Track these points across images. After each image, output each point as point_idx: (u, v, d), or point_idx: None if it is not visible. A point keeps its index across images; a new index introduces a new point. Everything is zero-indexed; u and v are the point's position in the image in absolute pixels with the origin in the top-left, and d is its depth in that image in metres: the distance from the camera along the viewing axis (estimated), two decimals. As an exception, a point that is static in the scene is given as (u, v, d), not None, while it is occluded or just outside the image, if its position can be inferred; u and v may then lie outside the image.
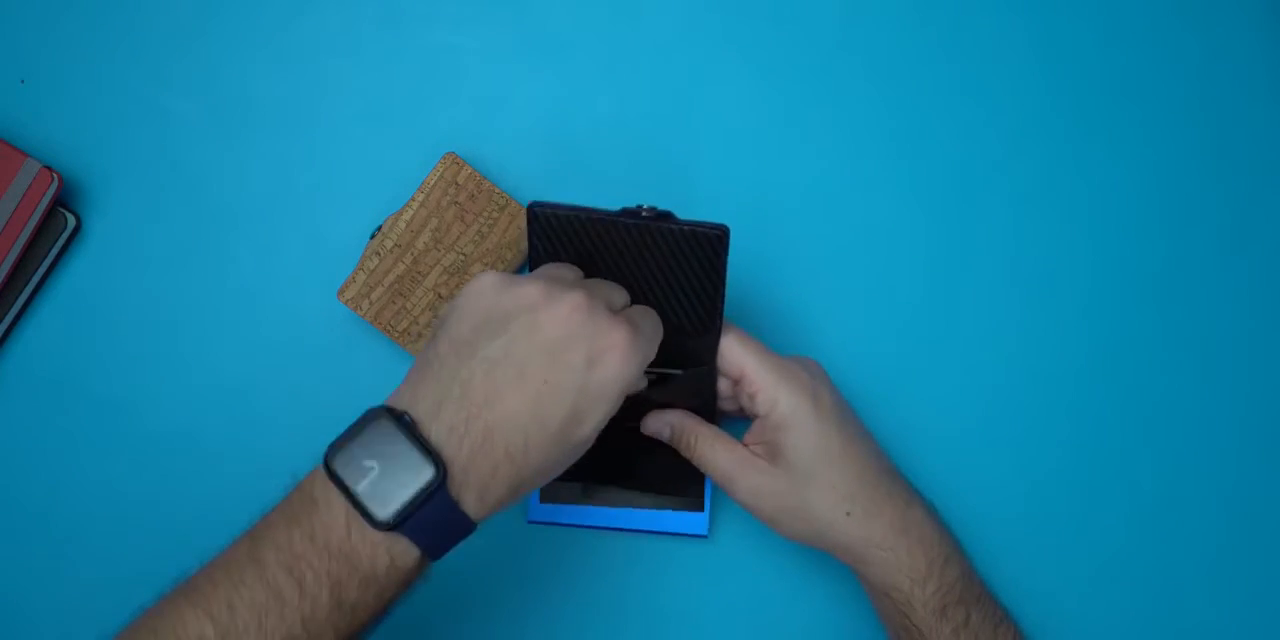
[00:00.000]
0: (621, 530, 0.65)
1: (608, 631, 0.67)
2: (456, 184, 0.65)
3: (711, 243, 0.55)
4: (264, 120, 0.69)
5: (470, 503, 0.49)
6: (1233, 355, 0.68)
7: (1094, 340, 0.69)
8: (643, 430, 0.63)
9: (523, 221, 0.66)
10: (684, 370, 0.59)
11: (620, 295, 0.55)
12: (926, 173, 0.69)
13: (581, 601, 0.67)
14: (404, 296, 0.65)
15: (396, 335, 0.66)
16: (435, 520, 0.48)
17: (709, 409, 0.62)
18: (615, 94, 0.69)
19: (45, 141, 0.68)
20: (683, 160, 0.69)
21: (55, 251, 0.68)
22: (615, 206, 0.56)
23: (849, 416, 0.61)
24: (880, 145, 0.69)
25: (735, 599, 0.67)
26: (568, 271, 0.55)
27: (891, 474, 0.61)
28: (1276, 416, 0.68)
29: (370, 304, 0.65)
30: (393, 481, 0.48)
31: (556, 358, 0.50)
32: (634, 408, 0.62)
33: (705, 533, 0.64)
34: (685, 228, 0.55)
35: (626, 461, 0.64)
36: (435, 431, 0.49)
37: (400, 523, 0.47)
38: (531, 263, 0.58)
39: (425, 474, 0.48)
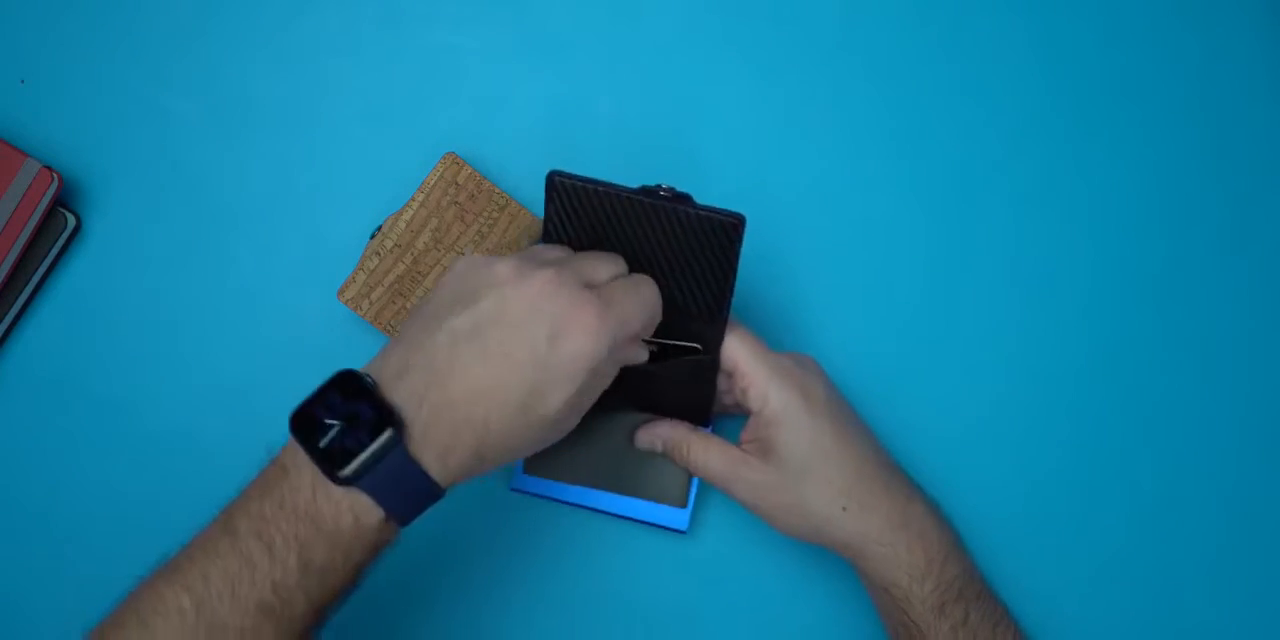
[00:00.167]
0: (602, 512, 0.65)
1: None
2: (456, 184, 0.65)
3: (726, 230, 0.55)
4: (264, 120, 0.69)
5: (431, 463, 0.50)
6: (1233, 353, 0.68)
7: (1094, 339, 0.69)
8: (636, 444, 0.64)
9: (523, 222, 0.66)
10: (689, 343, 0.59)
11: (606, 270, 0.55)
12: (927, 172, 0.69)
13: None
14: (404, 296, 0.65)
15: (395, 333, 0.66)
16: (394, 477, 0.49)
17: (708, 399, 0.62)
18: (615, 94, 0.69)
19: (45, 141, 0.68)
20: (683, 159, 0.69)
21: (55, 251, 0.68)
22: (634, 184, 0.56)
23: (844, 411, 0.61)
24: (880, 145, 0.69)
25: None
26: (552, 251, 0.56)
27: (891, 469, 0.61)
28: (1276, 416, 0.68)
29: (370, 304, 0.65)
30: (351, 439, 0.49)
31: (519, 333, 0.50)
32: (636, 394, 0.62)
33: (685, 528, 0.65)
34: (702, 212, 0.55)
35: (614, 455, 0.64)
36: (397, 394, 0.50)
37: (358, 477, 0.48)
38: (545, 232, 0.58)
39: (383, 431, 0.49)
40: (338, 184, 0.69)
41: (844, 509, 0.58)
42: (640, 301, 0.54)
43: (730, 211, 0.55)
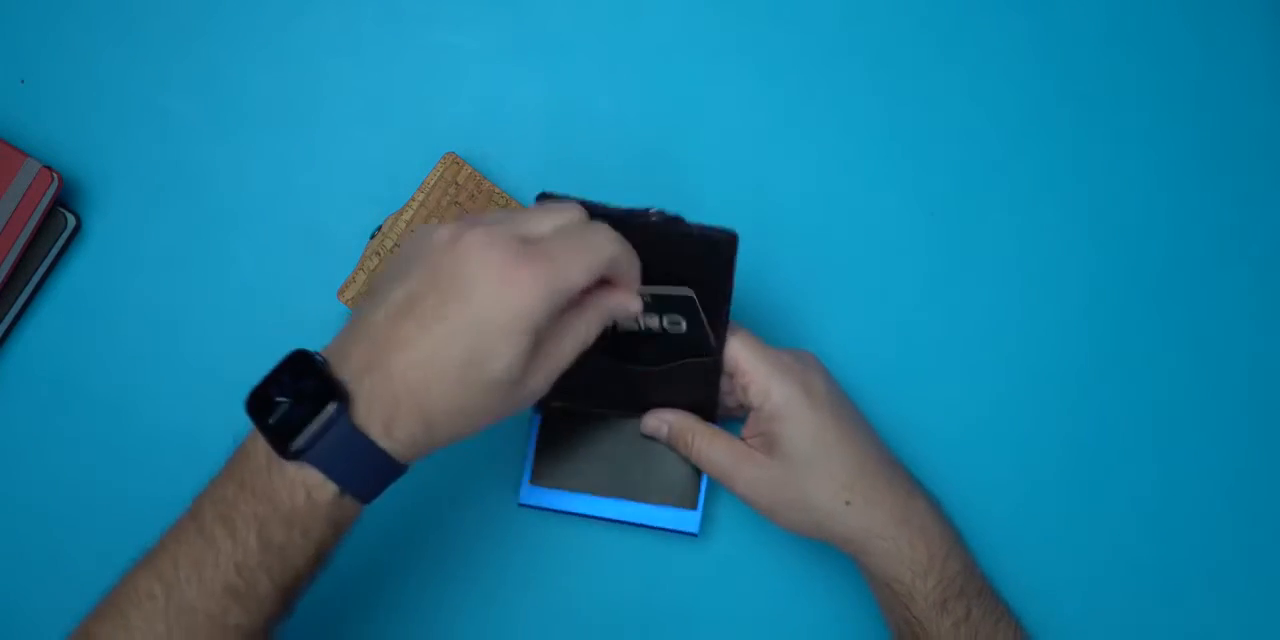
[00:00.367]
0: (612, 522, 0.65)
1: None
2: (456, 184, 0.65)
3: (719, 248, 0.55)
4: (264, 120, 0.69)
5: (377, 435, 0.49)
6: (1233, 353, 0.69)
7: (1094, 338, 0.69)
8: (641, 429, 0.63)
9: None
10: (688, 287, 0.57)
11: (550, 221, 0.53)
12: (927, 172, 0.69)
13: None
14: (404, 296, 0.65)
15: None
16: (342, 450, 0.49)
17: (712, 402, 0.62)
18: (615, 94, 0.69)
19: (45, 141, 0.68)
20: (683, 159, 0.69)
21: (55, 251, 0.68)
22: (622, 204, 0.56)
23: (845, 406, 0.61)
24: (881, 145, 0.69)
25: (725, 600, 0.67)
26: (500, 212, 0.55)
27: (892, 465, 0.61)
28: (1277, 416, 0.68)
29: (370, 304, 0.65)
30: (298, 414, 0.49)
31: (452, 297, 0.50)
32: (639, 397, 0.62)
33: (696, 531, 0.64)
34: (694, 231, 0.55)
35: (621, 459, 0.64)
36: (344, 369, 0.50)
37: (305, 450, 0.49)
38: None
39: (328, 405, 0.49)
40: (338, 184, 0.69)
41: (847, 503, 0.58)
42: (586, 249, 0.52)
43: (723, 229, 0.55)
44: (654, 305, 0.57)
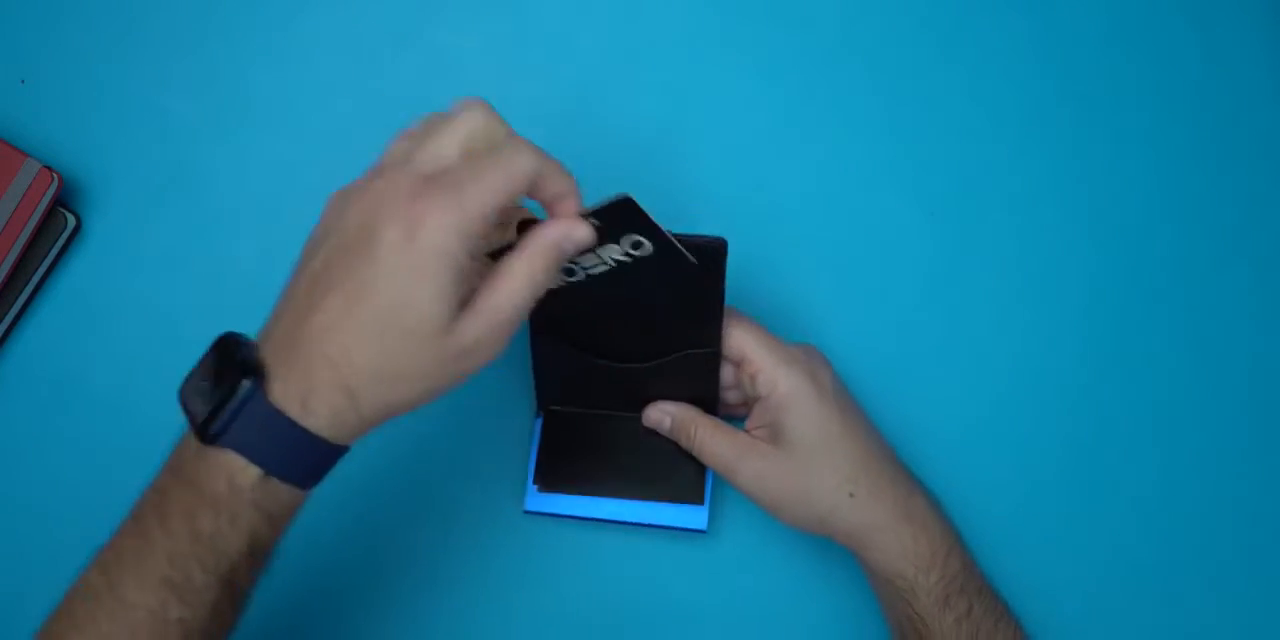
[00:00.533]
0: (620, 523, 0.65)
1: (603, 629, 0.67)
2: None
3: (709, 254, 0.55)
4: (264, 120, 0.69)
5: (294, 409, 0.47)
6: (1234, 352, 0.68)
7: (1095, 338, 0.69)
8: (643, 422, 0.63)
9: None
10: (622, 192, 0.51)
11: (455, 141, 0.49)
12: (927, 171, 0.69)
13: (577, 597, 0.67)
14: (404, 296, 0.65)
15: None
16: (261, 429, 0.47)
17: (713, 396, 0.62)
18: (615, 94, 0.69)
19: (45, 141, 0.68)
20: (683, 159, 0.69)
21: (55, 251, 0.68)
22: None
23: (850, 401, 0.61)
24: (881, 145, 0.69)
25: (735, 597, 0.67)
26: (406, 140, 0.52)
27: (894, 462, 0.61)
28: (1277, 415, 0.68)
29: (370, 304, 0.65)
30: (217, 396, 0.47)
31: (360, 251, 0.47)
32: (639, 393, 0.62)
33: (704, 528, 0.64)
34: (684, 241, 0.54)
35: (625, 456, 0.64)
36: (265, 349, 0.48)
37: (222, 432, 0.47)
38: None
39: (244, 383, 0.47)
40: (338, 184, 0.69)
41: (851, 496, 0.58)
42: (495, 167, 0.48)
43: (711, 237, 0.55)
44: (608, 232, 0.52)
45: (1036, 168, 0.69)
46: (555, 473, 0.65)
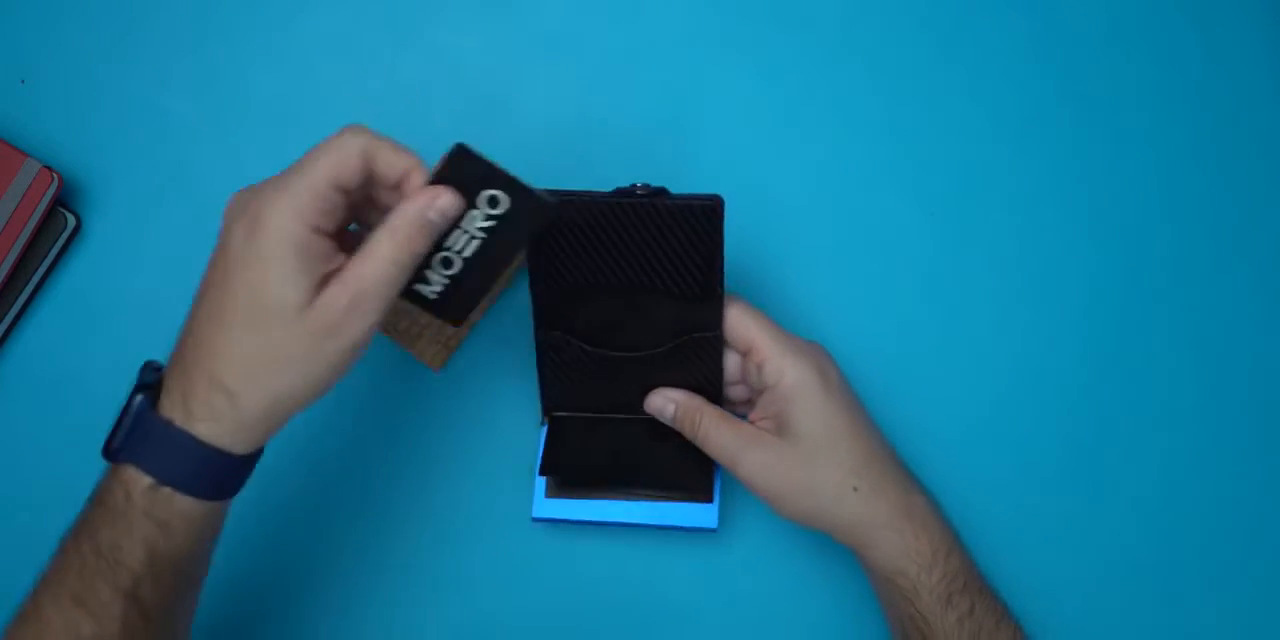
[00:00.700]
0: (629, 525, 0.64)
1: (619, 632, 0.67)
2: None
3: (707, 214, 0.56)
4: (264, 120, 0.69)
5: (177, 415, 0.49)
6: (1234, 353, 0.68)
7: (1095, 338, 0.69)
8: (646, 408, 0.63)
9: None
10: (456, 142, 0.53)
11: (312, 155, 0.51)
12: (927, 171, 0.69)
13: (591, 602, 0.67)
14: (404, 296, 0.65)
15: (396, 334, 0.66)
16: (153, 440, 0.50)
17: (716, 386, 0.62)
18: (616, 93, 0.69)
19: (45, 141, 0.68)
20: (682, 159, 0.69)
21: (55, 251, 0.68)
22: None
23: (854, 398, 0.61)
24: (882, 145, 0.69)
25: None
26: None
27: (895, 460, 0.61)
28: (1278, 415, 0.68)
29: (370, 304, 0.65)
30: (117, 417, 0.51)
31: (219, 257, 0.50)
32: (642, 382, 0.62)
33: (715, 526, 0.63)
34: (679, 202, 0.56)
35: (632, 455, 0.64)
36: (167, 368, 0.51)
37: (121, 449, 0.50)
38: (530, 249, 0.58)
39: (135, 399, 0.50)
40: (338, 184, 0.69)
41: (855, 489, 0.58)
42: (323, 149, 0.50)
43: (707, 195, 0.56)
44: (470, 197, 0.53)
45: (1036, 168, 0.69)
46: (563, 477, 0.64)
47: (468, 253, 0.54)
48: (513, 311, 0.68)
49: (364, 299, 0.49)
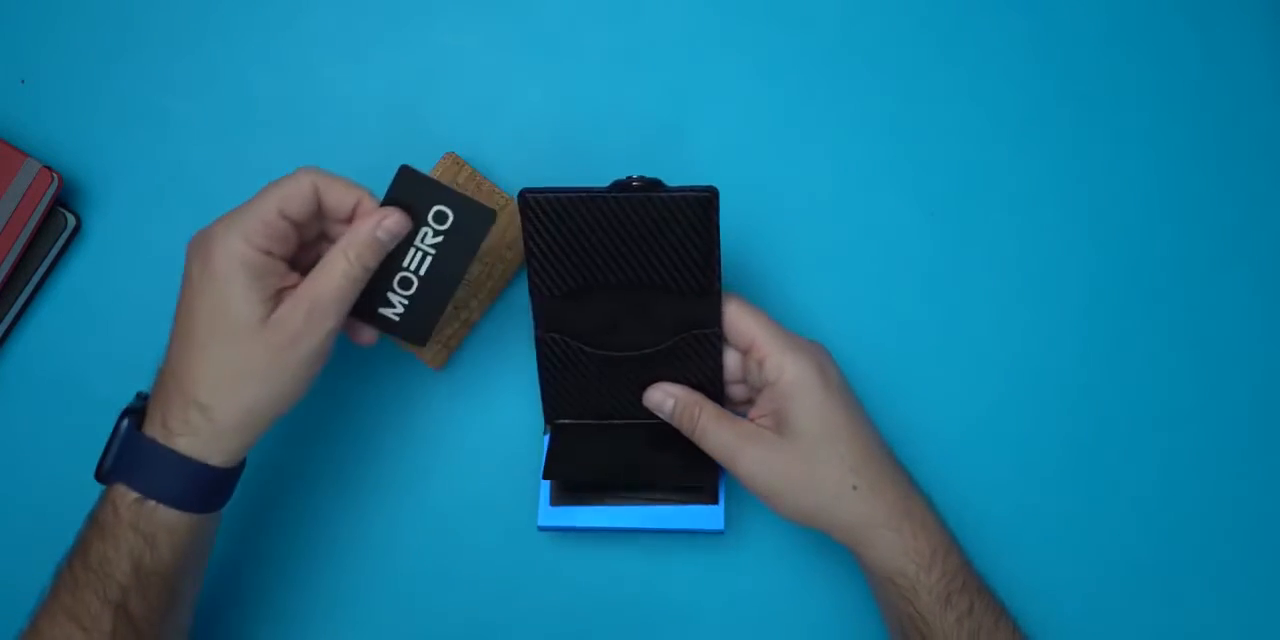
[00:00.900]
0: (635, 531, 0.64)
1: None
2: (457, 184, 0.65)
3: (702, 205, 0.56)
4: (264, 120, 0.69)
5: (159, 433, 0.53)
6: (1234, 351, 0.68)
7: (1095, 338, 0.69)
8: (645, 402, 0.62)
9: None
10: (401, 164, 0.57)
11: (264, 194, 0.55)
12: (927, 171, 0.69)
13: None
14: (404, 296, 0.65)
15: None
16: (136, 457, 0.54)
17: (717, 384, 0.62)
18: (615, 93, 0.69)
19: (45, 141, 0.68)
20: (682, 159, 0.69)
21: (55, 251, 0.68)
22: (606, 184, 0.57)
23: (853, 397, 0.61)
24: (881, 144, 0.69)
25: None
26: None
27: (893, 459, 0.61)
28: (1278, 415, 0.68)
29: (370, 304, 0.65)
30: (107, 442, 0.55)
31: (181, 293, 0.55)
32: (643, 379, 0.62)
33: (721, 528, 0.63)
34: (674, 195, 0.56)
35: (635, 459, 0.63)
36: (151, 395, 0.56)
37: (113, 470, 0.54)
38: (527, 249, 0.58)
39: (121, 423, 0.55)
40: (338, 184, 0.69)
41: (854, 488, 0.58)
42: (272, 186, 0.55)
43: (701, 186, 0.56)
44: (419, 217, 0.57)
45: (1036, 168, 0.69)
46: (566, 481, 0.64)
47: (423, 270, 0.58)
48: (513, 311, 0.68)
49: (319, 310, 0.54)
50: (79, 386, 0.68)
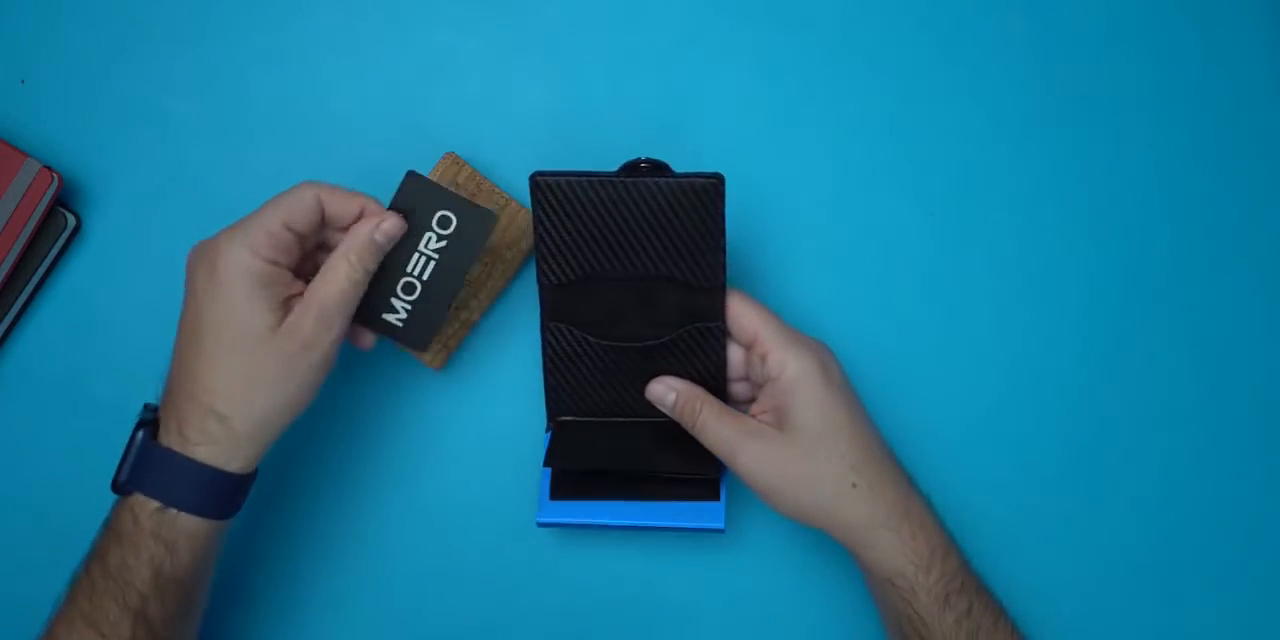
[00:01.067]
0: (635, 528, 0.64)
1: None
2: (456, 184, 0.65)
3: (708, 191, 0.57)
4: (263, 120, 0.69)
5: (175, 441, 0.54)
6: (1234, 351, 0.69)
7: (1095, 338, 0.69)
8: (646, 395, 0.62)
9: (523, 221, 0.66)
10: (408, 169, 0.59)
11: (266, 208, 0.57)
12: (927, 171, 0.69)
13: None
14: (404, 296, 0.65)
15: (396, 335, 0.66)
16: (154, 467, 0.55)
17: (719, 380, 0.62)
18: (615, 93, 0.69)
19: (45, 141, 0.68)
20: (682, 159, 0.69)
21: (55, 251, 0.68)
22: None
23: (855, 396, 0.61)
24: (881, 144, 0.69)
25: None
26: None
27: (893, 459, 0.61)
28: (1278, 415, 0.68)
29: (370, 304, 0.65)
30: (123, 454, 0.56)
31: (187, 303, 0.56)
32: (645, 374, 0.62)
33: (722, 526, 0.62)
34: (681, 180, 0.57)
35: (637, 452, 0.63)
36: (161, 407, 0.57)
37: (129, 481, 0.55)
38: (536, 234, 0.59)
39: (136, 436, 0.56)
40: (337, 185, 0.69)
41: (854, 486, 0.58)
42: (275, 199, 0.57)
43: (708, 173, 0.57)
44: (417, 218, 0.59)
45: (1036, 168, 0.69)
46: (568, 483, 0.64)
47: (426, 275, 0.60)
48: (513, 312, 0.68)
49: (326, 314, 0.55)
50: (79, 387, 0.68)
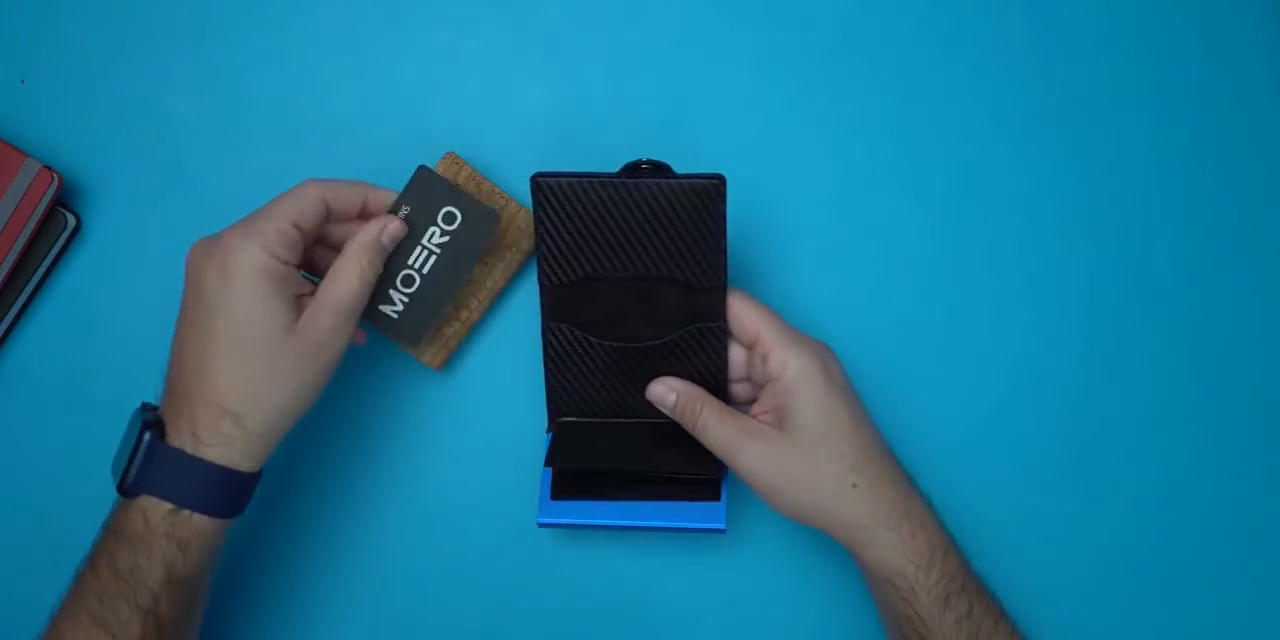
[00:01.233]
0: (636, 528, 0.63)
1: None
2: (456, 184, 0.65)
3: (709, 192, 0.57)
4: (263, 120, 0.69)
5: (188, 443, 0.54)
6: (1235, 351, 0.69)
7: (1095, 338, 0.69)
8: (647, 395, 0.62)
9: (523, 221, 0.66)
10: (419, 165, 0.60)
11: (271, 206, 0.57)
12: (927, 171, 0.69)
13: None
14: (404, 296, 0.65)
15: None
16: (165, 469, 0.54)
17: (720, 374, 0.62)
18: (615, 94, 0.69)
19: (45, 141, 0.68)
20: (682, 159, 0.69)
21: (55, 251, 0.68)
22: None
23: (856, 397, 0.61)
24: (881, 144, 0.69)
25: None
26: None
27: (893, 460, 0.61)
28: (1278, 416, 0.68)
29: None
30: (126, 456, 0.55)
31: (193, 302, 0.56)
32: (646, 374, 0.62)
33: (723, 526, 0.62)
34: (683, 181, 0.57)
35: (638, 452, 0.63)
36: (162, 407, 0.57)
37: (137, 483, 0.54)
38: (537, 235, 0.59)
39: (144, 437, 0.55)
40: (338, 184, 0.69)
41: (854, 486, 0.58)
42: (281, 198, 0.57)
43: (710, 174, 0.57)
44: (421, 214, 0.60)
45: (1036, 168, 0.69)
46: (568, 483, 0.64)
47: (426, 269, 0.61)
48: (513, 312, 0.68)
49: (343, 313, 0.56)
50: (79, 387, 0.68)
